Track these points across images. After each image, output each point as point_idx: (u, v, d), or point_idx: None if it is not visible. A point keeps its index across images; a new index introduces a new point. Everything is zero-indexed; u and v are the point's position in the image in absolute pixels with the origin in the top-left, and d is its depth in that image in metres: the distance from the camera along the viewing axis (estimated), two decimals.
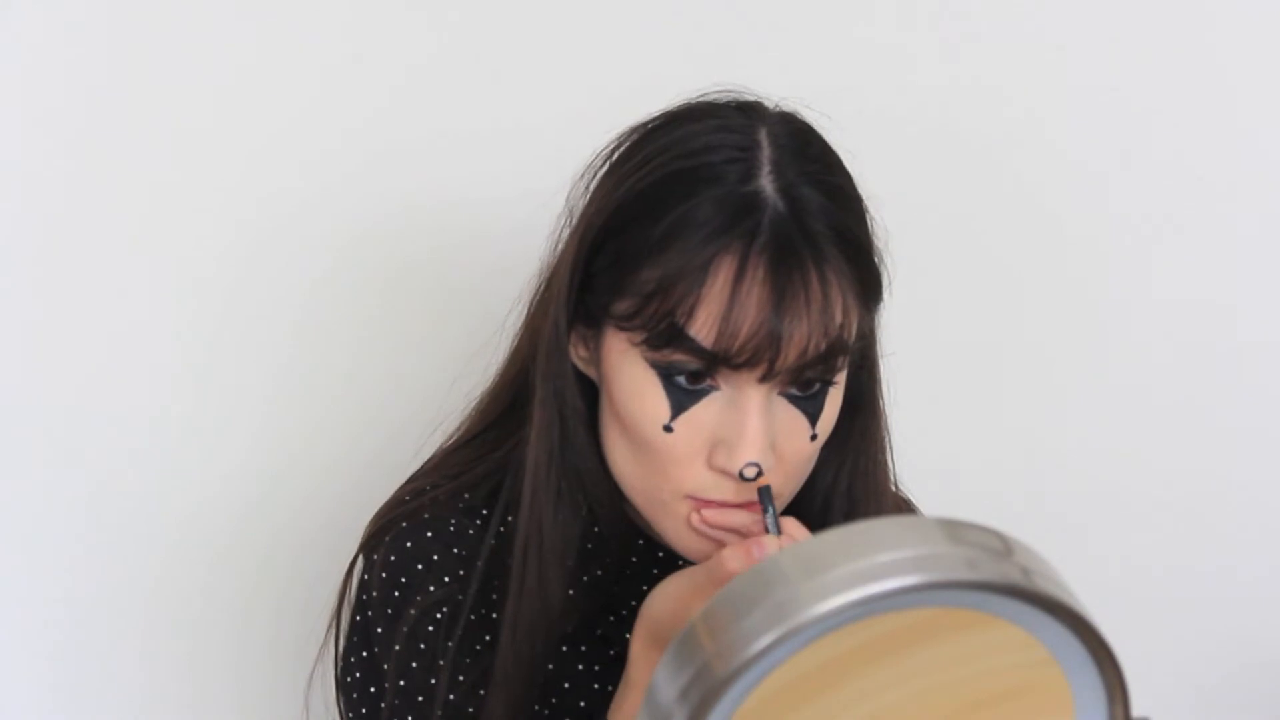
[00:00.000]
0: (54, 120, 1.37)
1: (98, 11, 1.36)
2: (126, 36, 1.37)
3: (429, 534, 1.09)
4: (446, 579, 1.08)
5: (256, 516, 1.44)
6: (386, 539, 1.09)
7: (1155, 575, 1.63)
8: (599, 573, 1.10)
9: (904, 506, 1.20)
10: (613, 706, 1.02)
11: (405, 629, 1.07)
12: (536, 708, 1.07)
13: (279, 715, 1.43)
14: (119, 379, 1.40)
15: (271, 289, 1.42)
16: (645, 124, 1.06)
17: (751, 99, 1.06)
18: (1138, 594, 1.62)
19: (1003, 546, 0.73)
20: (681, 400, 0.99)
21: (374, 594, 1.09)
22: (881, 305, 1.06)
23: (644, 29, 1.48)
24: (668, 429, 1.00)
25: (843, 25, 1.52)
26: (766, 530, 0.98)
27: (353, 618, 1.12)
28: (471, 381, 1.18)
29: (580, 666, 1.10)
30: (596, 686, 1.10)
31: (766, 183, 0.99)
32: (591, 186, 1.06)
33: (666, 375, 0.99)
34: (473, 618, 1.08)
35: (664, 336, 0.98)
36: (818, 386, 1.01)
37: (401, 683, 1.08)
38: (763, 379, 0.98)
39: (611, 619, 1.11)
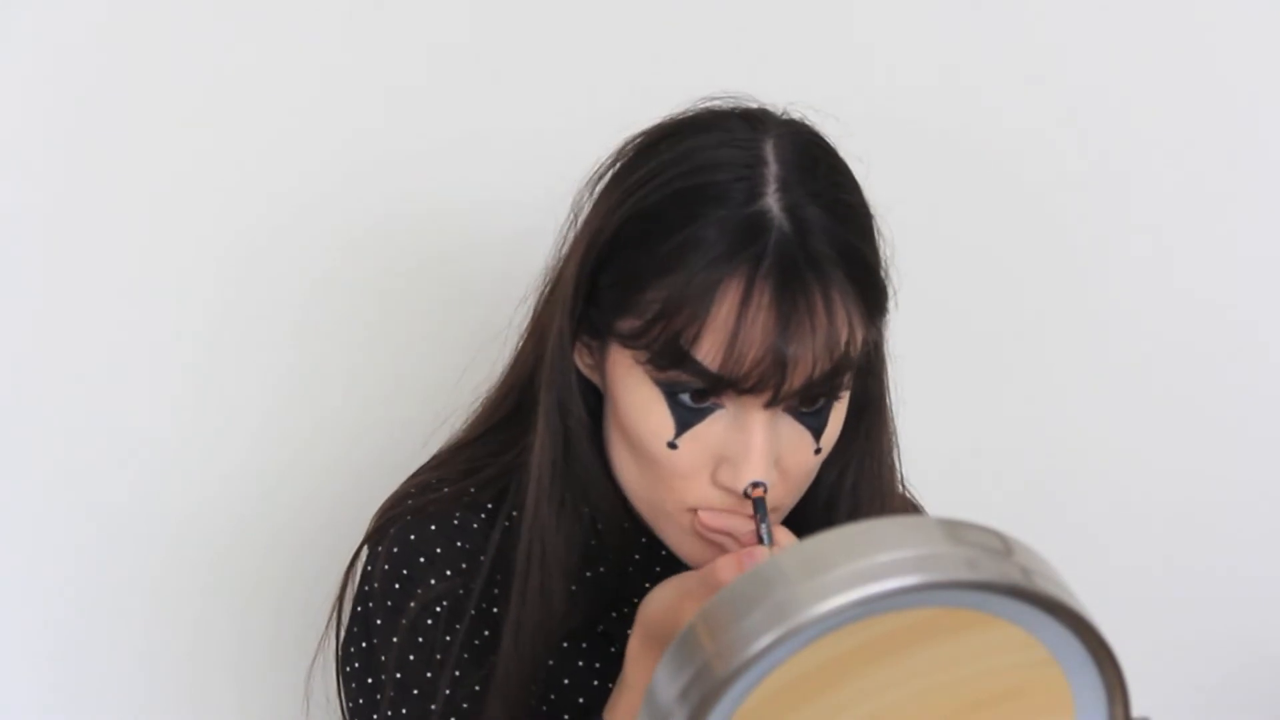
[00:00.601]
0: (54, 122, 1.36)
1: (97, 13, 1.36)
2: (126, 38, 1.37)
3: (433, 528, 1.09)
4: (448, 573, 1.08)
5: (256, 516, 1.44)
6: (391, 531, 1.09)
7: (1155, 575, 1.63)
8: (601, 569, 1.10)
9: (910, 507, 1.20)
10: (608, 706, 1.02)
11: (405, 622, 1.07)
12: (535, 703, 1.07)
13: (279, 715, 1.43)
14: (119, 379, 1.40)
15: (272, 290, 1.42)
16: (650, 133, 1.04)
17: (757, 107, 1.04)
18: (1138, 594, 1.62)
19: (1003, 546, 0.73)
20: (686, 418, 0.99)
21: (376, 585, 1.09)
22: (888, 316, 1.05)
23: (647, 33, 1.47)
24: (672, 445, 1.00)
25: (844, 30, 1.52)
26: (760, 540, 0.98)
27: (354, 608, 1.12)
28: (479, 376, 1.18)
29: (581, 663, 1.10)
30: (596, 683, 1.10)
31: (772, 202, 0.98)
32: (597, 192, 1.05)
33: (671, 393, 0.99)
34: (473, 613, 1.08)
35: (669, 358, 0.97)
36: (822, 402, 1.01)
37: (399, 675, 1.08)
38: (768, 404, 0.98)
39: (613, 615, 1.11)
